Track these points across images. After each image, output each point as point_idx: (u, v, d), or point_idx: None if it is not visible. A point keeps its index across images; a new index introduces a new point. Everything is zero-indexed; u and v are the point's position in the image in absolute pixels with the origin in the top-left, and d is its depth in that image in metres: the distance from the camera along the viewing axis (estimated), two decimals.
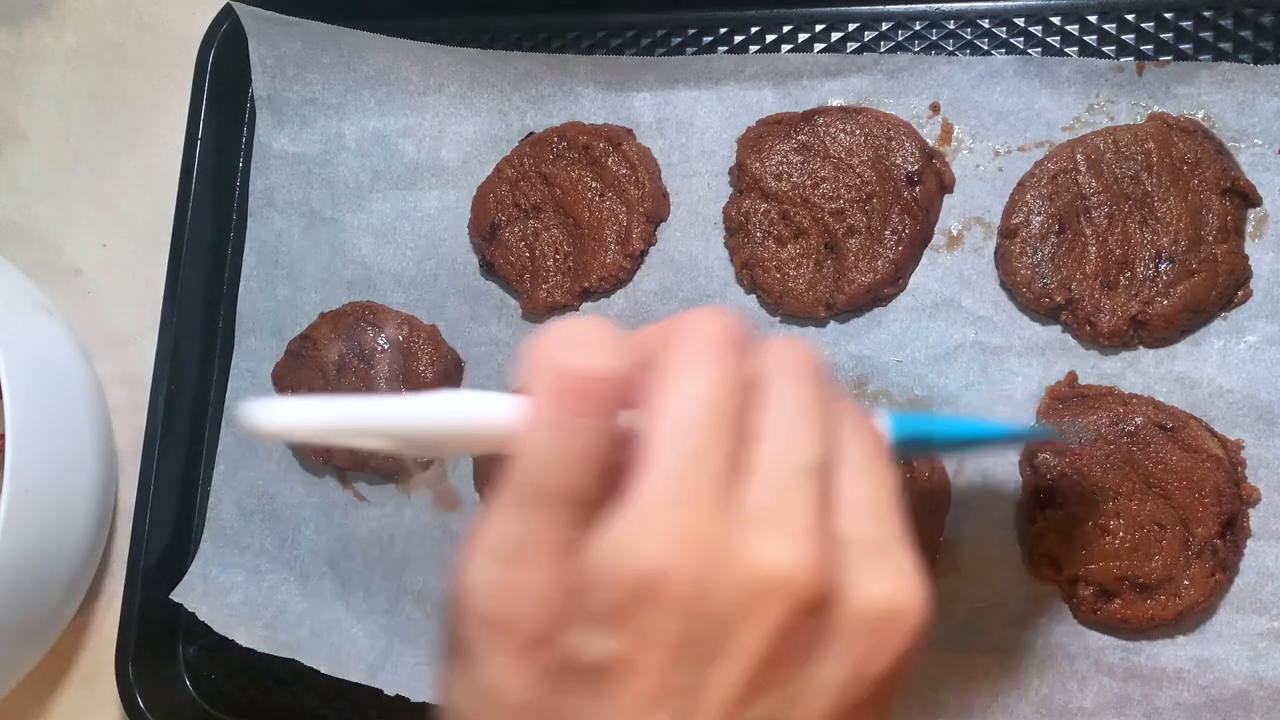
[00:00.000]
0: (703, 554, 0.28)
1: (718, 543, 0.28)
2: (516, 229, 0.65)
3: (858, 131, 0.60)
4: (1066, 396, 0.56)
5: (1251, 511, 0.54)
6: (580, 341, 0.29)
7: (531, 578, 0.28)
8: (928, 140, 0.60)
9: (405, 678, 0.62)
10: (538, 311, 0.64)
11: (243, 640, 0.65)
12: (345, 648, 0.64)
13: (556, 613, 0.28)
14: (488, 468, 0.63)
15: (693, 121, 0.64)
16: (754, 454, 0.29)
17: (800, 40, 0.65)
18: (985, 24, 0.62)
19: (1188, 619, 0.53)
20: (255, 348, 0.70)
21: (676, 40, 0.66)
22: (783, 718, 0.28)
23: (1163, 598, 0.53)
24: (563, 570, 0.28)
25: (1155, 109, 0.58)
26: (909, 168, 0.59)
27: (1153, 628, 0.53)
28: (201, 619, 0.65)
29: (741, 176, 0.62)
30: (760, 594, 0.28)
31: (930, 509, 0.56)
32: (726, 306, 0.61)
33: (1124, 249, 0.57)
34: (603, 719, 0.28)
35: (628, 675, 0.27)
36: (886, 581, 0.29)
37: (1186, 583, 0.53)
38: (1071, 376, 0.57)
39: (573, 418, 0.28)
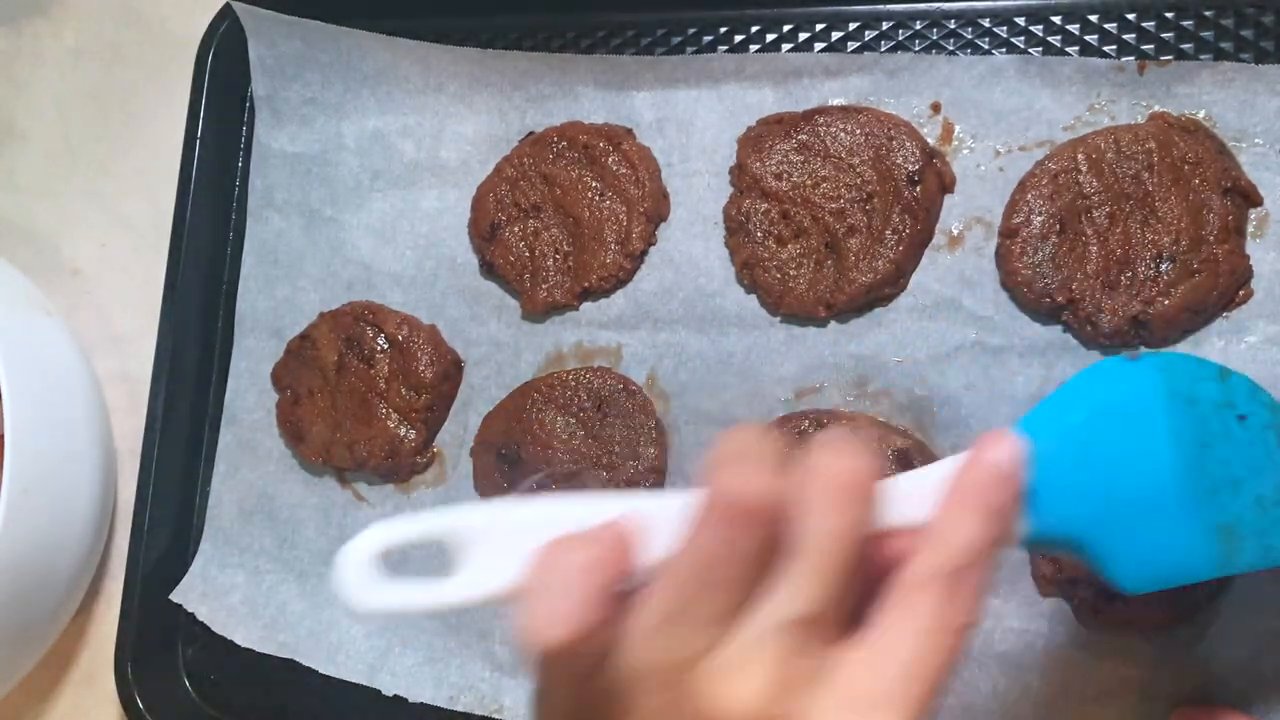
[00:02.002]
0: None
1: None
2: (516, 229, 0.65)
3: (858, 131, 0.60)
4: None
5: None
6: (745, 460, 0.34)
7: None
8: (928, 140, 0.60)
9: (403, 678, 0.62)
10: (537, 311, 0.64)
11: (242, 640, 0.65)
12: (344, 648, 0.64)
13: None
14: (487, 467, 0.63)
15: (693, 121, 0.64)
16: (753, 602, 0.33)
17: (800, 39, 0.65)
18: (986, 23, 0.62)
19: (1188, 620, 0.53)
20: (254, 347, 0.69)
21: (676, 40, 0.66)
22: None
23: (1163, 599, 0.53)
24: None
25: (1156, 108, 0.58)
26: (909, 167, 0.59)
27: (1153, 629, 0.53)
28: (201, 619, 0.65)
29: (742, 176, 0.62)
30: None
31: None
32: (725, 304, 0.61)
33: (1125, 249, 0.57)
34: None
35: None
36: None
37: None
38: None
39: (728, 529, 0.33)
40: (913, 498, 0.37)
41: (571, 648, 0.33)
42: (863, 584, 0.35)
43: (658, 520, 0.36)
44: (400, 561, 0.39)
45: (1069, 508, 0.40)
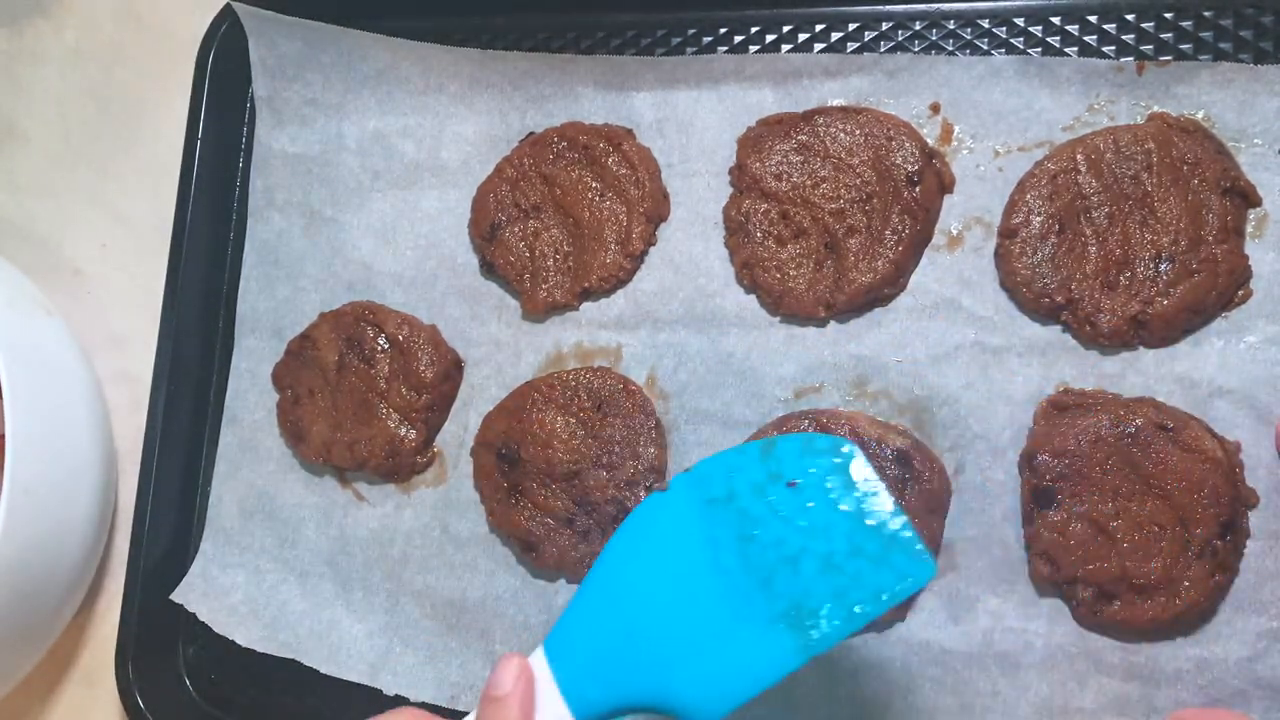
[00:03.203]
0: None
1: None
2: (516, 229, 0.65)
3: (858, 131, 0.60)
4: (1064, 404, 0.56)
5: (1251, 513, 0.54)
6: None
7: None
8: (928, 140, 0.60)
9: (404, 677, 0.62)
10: (538, 311, 0.64)
11: (242, 640, 0.65)
12: (344, 647, 0.64)
13: None
14: (487, 467, 0.63)
15: (693, 121, 0.64)
16: None
17: (800, 40, 0.65)
18: (985, 24, 0.62)
19: (1187, 620, 0.53)
20: (255, 348, 0.70)
21: (676, 40, 0.66)
22: None
23: (1162, 599, 0.53)
24: None
25: (1155, 109, 0.58)
26: (909, 168, 0.59)
27: (1152, 629, 0.53)
28: (202, 619, 0.65)
29: (741, 176, 0.62)
30: None
31: (930, 509, 0.56)
32: (725, 304, 0.61)
33: (1124, 249, 0.57)
34: None
35: None
36: None
37: (1186, 584, 0.53)
38: (1064, 390, 0.57)
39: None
40: None
41: None
42: None
43: None
44: None
45: (613, 676, 0.42)
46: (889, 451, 0.56)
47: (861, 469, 0.43)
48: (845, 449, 0.43)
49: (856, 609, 0.41)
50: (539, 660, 0.43)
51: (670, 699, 0.42)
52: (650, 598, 0.43)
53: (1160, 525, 0.53)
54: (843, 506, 0.42)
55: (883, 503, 0.42)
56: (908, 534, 0.42)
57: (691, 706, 0.41)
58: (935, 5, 0.63)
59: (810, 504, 0.43)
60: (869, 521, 0.42)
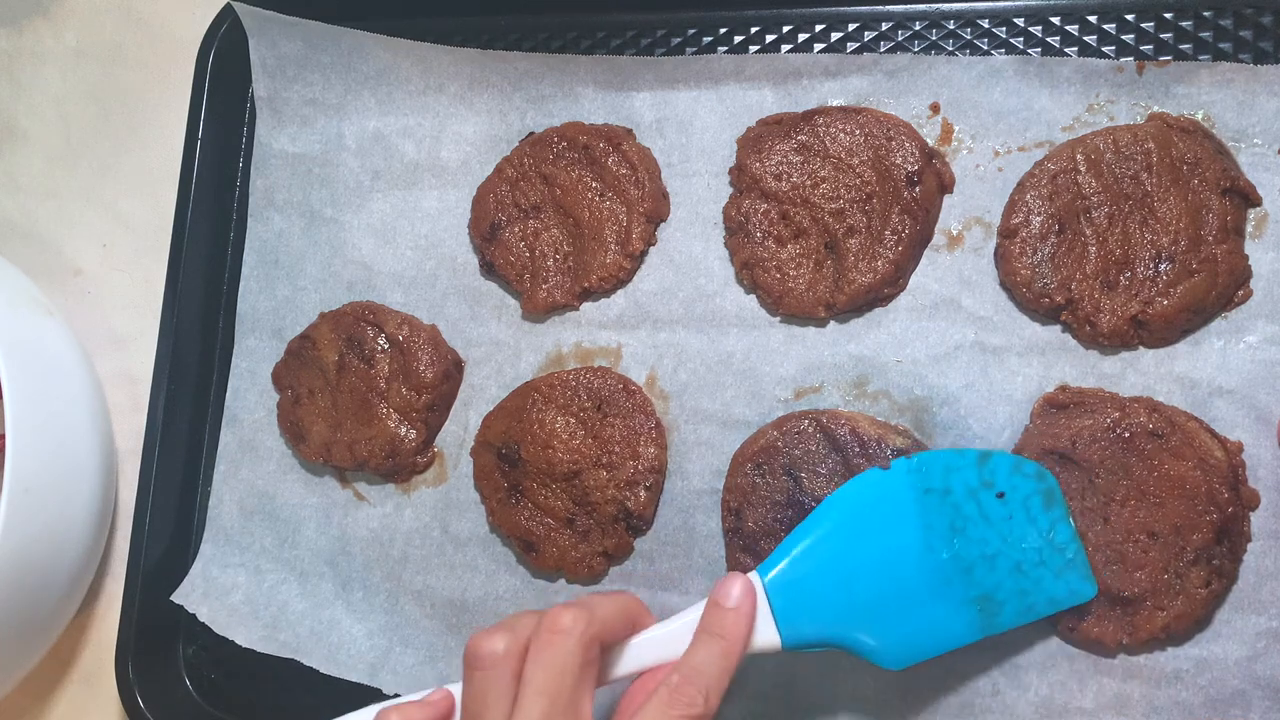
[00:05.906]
0: None
1: None
2: (516, 229, 0.65)
3: (857, 131, 0.60)
4: (1061, 403, 0.56)
5: (1252, 513, 0.54)
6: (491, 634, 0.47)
7: None
8: (928, 140, 0.60)
9: (404, 677, 0.62)
10: (538, 311, 0.64)
11: (242, 641, 0.65)
12: (345, 648, 0.64)
13: None
14: (487, 467, 0.63)
15: (693, 121, 0.64)
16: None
17: (800, 40, 0.65)
18: (985, 24, 0.62)
19: (1176, 631, 0.53)
20: (255, 348, 0.70)
21: (676, 40, 0.66)
22: None
23: (1144, 613, 0.53)
24: None
25: (1155, 109, 0.58)
26: (909, 168, 0.59)
27: (1136, 645, 0.53)
28: (202, 620, 0.65)
29: (741, 176, 0.62)
30: None
31: None
32: (725, 304, 0.61)
33: (1124, 249, 0.57)
34: None
35: None
36: None
37: (1176, 596, 0.52)
38: (1061, 387, 0.57)
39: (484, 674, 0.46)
40: (673, 639, 0.48)
41: None
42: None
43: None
44: None
45: (823, 615, 0.49)
46: (889, 451, 0.56)
47: (1056, 497, 0.53)
48: (1047, 478, 0.53)
49: (1031, 609, 0.51)
50: (757, 584, 0.49)
51: (866, 643, 0.50)
52: (866, 556, 0.50)
53: (1151, 533, 0.53)
54: (1037, 524, 0.52)
55: (1066, 529, 0.52)
56: (1082, 559, 0.53)
57: (884, 653, 0.50)
58: (935, 5, 0.63)
59: (1010, 516, 0.52)
60: (1055, 540, 0.52)
